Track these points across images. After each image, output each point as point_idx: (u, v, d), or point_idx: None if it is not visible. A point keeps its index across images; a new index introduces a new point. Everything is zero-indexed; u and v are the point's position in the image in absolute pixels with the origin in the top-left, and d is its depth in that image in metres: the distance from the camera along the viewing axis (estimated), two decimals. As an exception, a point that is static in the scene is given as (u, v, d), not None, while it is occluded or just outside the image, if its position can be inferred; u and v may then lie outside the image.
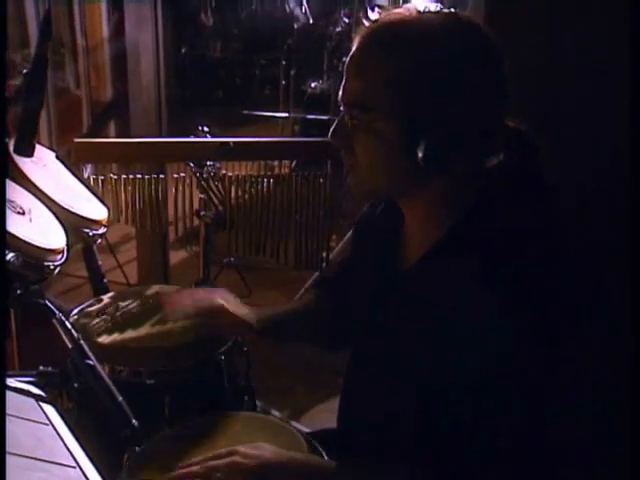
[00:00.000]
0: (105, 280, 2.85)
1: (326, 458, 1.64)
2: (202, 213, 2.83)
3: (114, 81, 5.89)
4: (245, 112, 6.35)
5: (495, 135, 1.54)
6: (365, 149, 1.54)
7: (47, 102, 5.04)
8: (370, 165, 1.55)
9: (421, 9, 1.54)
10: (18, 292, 2.17)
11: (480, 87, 1.50)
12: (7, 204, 2.14)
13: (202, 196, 2.82)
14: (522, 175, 1.60)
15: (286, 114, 6.36)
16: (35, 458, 1.44)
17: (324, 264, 3.08)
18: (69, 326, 1.98)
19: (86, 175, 2.53)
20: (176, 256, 5.15)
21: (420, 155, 1.47)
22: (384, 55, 1.49)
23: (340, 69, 5.60)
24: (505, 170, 1.58)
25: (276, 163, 4.76)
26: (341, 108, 1.58)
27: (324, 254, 3.06)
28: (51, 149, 2.70)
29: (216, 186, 2.84)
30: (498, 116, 1.56)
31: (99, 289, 2.81)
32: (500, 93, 1.54)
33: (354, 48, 1.55)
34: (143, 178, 2.79)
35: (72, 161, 2.60)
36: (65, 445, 1.53)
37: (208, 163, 2.80)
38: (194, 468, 1.52)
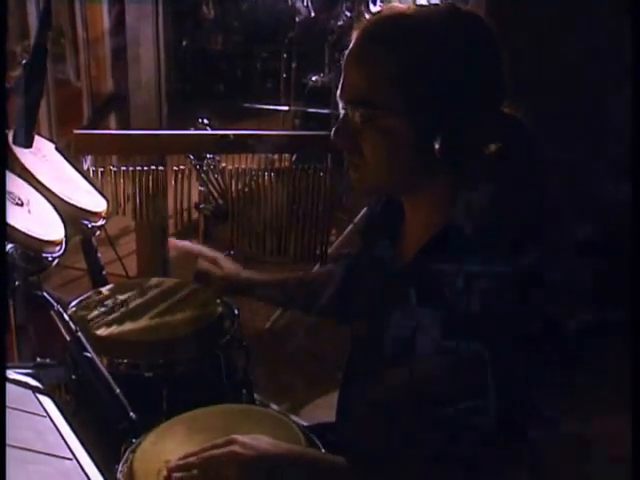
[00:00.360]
0: (104, 272, 2.85)
1: (323, 451, 1.63)
2: (202, 206, 2.82)
3: (114, 73, 5.88)
4: (246, 105, 6.35)
5: (496, 125, 1.54)
6: (373, 146, 1.52)
7: (47, 93, 5.04)
8: (377, 162, 1.53)
9: (421, 2, 1.53)
10: (16, 283, 2.17)
11: (483, 78, 1.50)
12: (6, 195, 2.13)
13: (202, 189, 2.81)
14: (522, 170, 1.60)
15: (287, 107, 6.34)
16: (32, 450, 1.44)
17: (323, 258, 3.08)
18: (67, 318, 1.98)
19: (85, 167, 2.52)
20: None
21: (437, 147, 1.47)
22: (386, 50, 1.48)
23: (341, 63, 5.58)
24: (504, 164, 1.58)
25: (276, 156, 4.74)
26: (341, 106, 1.57)
27: (323, 248, 3.06)
28: (51, 140, 2.69)
29: (216, 179, 2.83)
30: (498, 106, 1.56)
31: (98, 281, 2.80)
32: (500, 84, 1.54)
33: (353, 43, 1.54)
34: (143, 170, 2.79)
35: (72, 153, 2.59)
36: (62, 437, 1.53)
37: (208, 156, 2.79)
38: (191, 459, 1.51)
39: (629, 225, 1.80)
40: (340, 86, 1.56)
